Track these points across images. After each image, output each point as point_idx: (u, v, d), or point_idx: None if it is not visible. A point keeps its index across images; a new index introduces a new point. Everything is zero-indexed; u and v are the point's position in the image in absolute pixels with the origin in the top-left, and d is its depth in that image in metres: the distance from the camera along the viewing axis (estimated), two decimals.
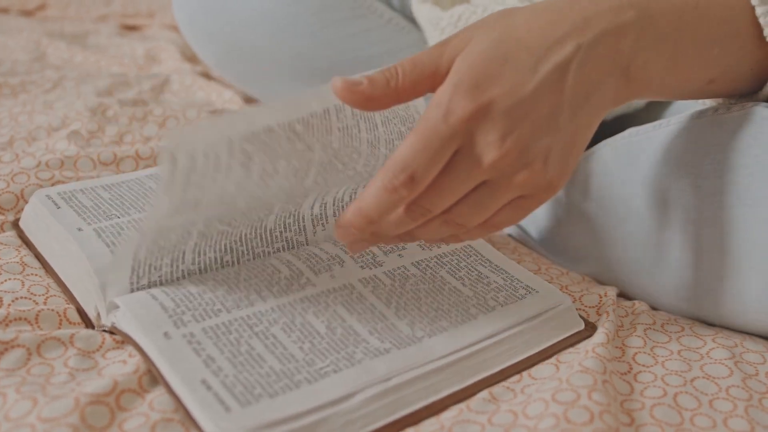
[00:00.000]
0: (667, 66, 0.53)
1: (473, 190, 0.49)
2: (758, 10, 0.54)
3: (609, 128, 0.74)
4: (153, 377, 0.51)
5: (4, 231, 0.69)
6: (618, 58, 0.51)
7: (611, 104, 0.52)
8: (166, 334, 0.50)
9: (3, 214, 0.70)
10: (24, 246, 0.66)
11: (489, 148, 0.47)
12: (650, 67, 0.52)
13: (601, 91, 0.50)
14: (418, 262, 0.62)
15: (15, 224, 0.69)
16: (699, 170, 0.58)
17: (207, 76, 1.19)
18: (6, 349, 0.52)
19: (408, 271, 0.61)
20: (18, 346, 0.52)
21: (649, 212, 0.62)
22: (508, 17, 0.51)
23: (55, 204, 0.65)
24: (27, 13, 1.57)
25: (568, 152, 0.50)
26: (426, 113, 0.47)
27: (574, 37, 0.50)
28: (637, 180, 0.64)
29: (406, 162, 0.46)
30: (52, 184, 0.74)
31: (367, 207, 0.48)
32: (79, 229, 0.61)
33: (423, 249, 0.64)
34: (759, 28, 0.55)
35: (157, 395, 0.49)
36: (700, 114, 0.60)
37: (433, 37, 0.88)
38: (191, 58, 1.26)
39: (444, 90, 0.48)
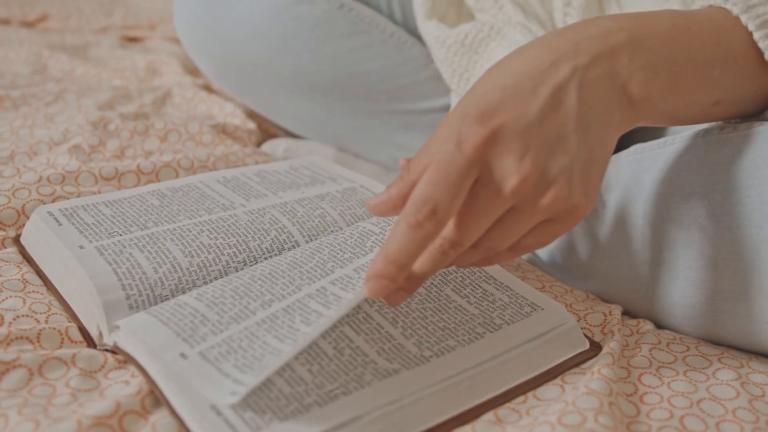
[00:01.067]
0: (668, 87, 0.53)
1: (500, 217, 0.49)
2: (756, 35, 0.54)
3: None
4: (156, 399, 0.51)
5: (5, 247, 0.68)
6: (615, 77, 0.51)
7: (620, 126, 0.52)
8: (182, 355, 0.50)
9: (4, 230, 0.70)
10: (25, 263, 0.66)
11: (508, 173, 0.47)
12: (651, 87, 0.52)
13: (607, 111, 0.50)
14: None
15: (16, 240, 0.69)
16: (705, 190, 0.58)
17: (208, 89, 1.19)
18: (7, 370, 0.52)
19: None
20: (20, 366, 0.52)
21: (655, 230, 0.62)
22: (497, 63, 0.52)
23: (57, 221, 0.64)
24: (28, 24, 1.58)
25: (588, 173, 0.49)
26: (439, 148, 0.47)
27: (568, 60, 0.50)
28: (642, 198, 0.63)
29: (427, 196, 0.45)
30: (54, 200, 0.74)
31: (396, 251, 0.46)
32: (81, 247, 0.61)
33: None
34: (758, 51, 0.55)
35: (160, 417, 0.49)
36: (706, 132, 0.60)
37: (439, 55, 0.88)
38: (192, 70, 1.26)
39: (452, 124, 0.48)
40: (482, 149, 0.46)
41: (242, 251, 0.63)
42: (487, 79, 0.51)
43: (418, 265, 0.49)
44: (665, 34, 0.53)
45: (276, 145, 1.01)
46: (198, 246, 0.62)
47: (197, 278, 0.60)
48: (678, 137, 0.63)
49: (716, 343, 0.62)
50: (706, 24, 0.55)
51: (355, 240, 0.62)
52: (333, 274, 0.58)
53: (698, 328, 0.62)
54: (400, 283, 0.48)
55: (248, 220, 0.67)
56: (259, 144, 1.05)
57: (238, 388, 0.48)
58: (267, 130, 1.10)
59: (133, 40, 1.50)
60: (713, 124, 0.61)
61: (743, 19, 0.54)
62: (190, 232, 0.64)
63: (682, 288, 0.61)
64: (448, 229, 0.48)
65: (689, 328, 0.63)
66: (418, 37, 0.96)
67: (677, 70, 0.53)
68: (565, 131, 0.48)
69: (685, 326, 0.63)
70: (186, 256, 0.61)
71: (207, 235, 0.64)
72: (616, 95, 0.51)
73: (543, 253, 0.76)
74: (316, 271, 0.58)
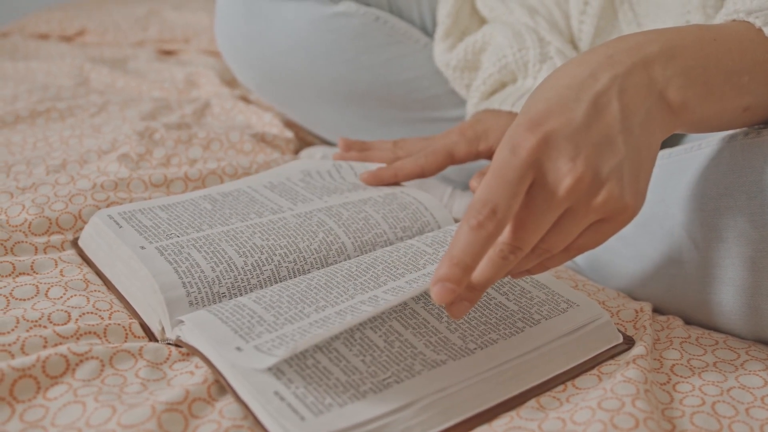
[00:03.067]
0: (703, 93, 0.56)
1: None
2: None
3: None
4: (221, 387, 0.54)
5: (64, 250, 0.72)
6: (652, 85, 0.54)
7: (662, 130, 0.54)
8: (237, 348, 0.54)
9: (62, 234, 0.74)
10: (85, 264, 0.70)
11: (562, 174, 0.49)
12: (687, 93, 0.55)
13: (648, 116, 0.53)
14: None
15: (74, 243, 0.73)
16: (733, 191, 0.61)
17: (246, 99, 1.23)
18: (81, 361, 0.55)
19: None
20: (92, 357, 0.56)
21: (686, 231, 0.65)
22: (537, 86, 0.55)
23: (117, 224, 0.68)
24: (67, 39, 1.62)
25: (636, 173, 0.52)
26: (495, 156, 0.50)
27: (605, 70, 0.53)
28: (671, 201, 0.66)
29: (486, 198, 0.48)
30: (108, 205, 0.78)
31: (459, 253, 0.48)
32: (142, 248, 0.64)
33: None
34: None
35: (226, 404, 0.53)
36: (731, 138, 0.63)
37: (449, 77, 0.94)
38: (230, 82, 1.30)
39: (506, 136, 0.51)
40: (536, 153, 0.49)
41: (293, 251, 0.67)
42: (530, 98, 0.54)
43: (480, 272, 0.51)
44: (694, 44, 0.56)
45: (313, 153, 1.05)
46: (251, 247, 0.66)
47: (251, 277, 0.64)
48: (704, 142, 0.65)
49: (744, 337, 0.65)
50: (731, 35, 0.58)
51: (409, 258, 0.65)
52: (386, 286, 0.61)
53: (730, 323, 0.65)
54: (464, 286, 0.49)
55: (297, 223, 0.70)
56: (296, 152, 1.08)
57: (281, 389, 0.51)
58: (304, 139, 1.14)
59: (168, 53, 1.55)
60: (737, 129, 0.64)
61: (766, 31, 0.57)
62: (243, 233, 0.68)
63: (713, 286, 0.64)
64: (509, 234, 0.50)
65: (720, 323, 0.66)
66: None
67: (709, 77, 0.55)
68: (611, 133, 0.51)
69: (721, 323, 0.66)
70: (240, 256, 0.65)
71: (259, 237, 0.67)
72: (656, 101, 0.53)
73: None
74: (369, 283, 0.61)
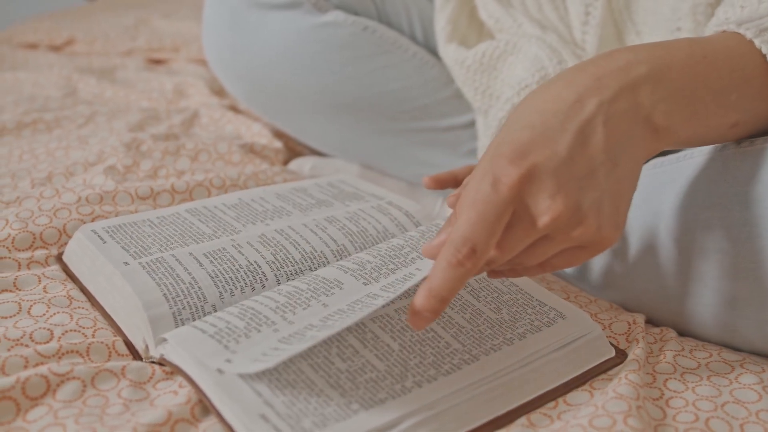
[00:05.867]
0: (689, 114, 0.55)
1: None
2: None
3: None
4: (204, 408, 0.53)
5: (48, 265, 0.71)
6: (639, 110, 0.53)
7: (644, 155, 0.54)
8: (228, 360, 0.52)
9: (47, 249, 0.73)
10: (69, 280, 0.69)
11: (542, 210, 0.50)
12: (673, 116, 0.54)
13: (632, 143, 0.53)
14: None
15: (59, 258, 0.71)
16: (725, 201, 0.60)
17: (235, 109, 1.21)
18: (62, 381, 0.54)
19: None
20: (74, 378, 0.55)
21: (676, 242, 0.64)
22: (523, 101, 0.55)
23: (101, 239, 0.67)
24: (55, 49, 1.61)
25: (616, 205, 0.52)
26: (475, 186, 0.50)
27: (592, 95, 0.52)
28: (663, 211, 0.65)
29: (466, 236, 0.49)
30: (93, 219, 0.77)
31: (438, 287, 0.49)
32: (126, 263, 0.63)
33: None
34: None
35: (210, 424, 0.52)
36: (723, 147, 0.62)
37: (460, 76, 0.91)
38: (219, 91, 1.29)
39: (485, 162, 0.51)
40: (517, 189, 0.49)
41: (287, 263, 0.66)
42: (515, 118, 0.53)
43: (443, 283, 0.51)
44: (683, 64, 0.55)
45: (302, 164, 1.04)
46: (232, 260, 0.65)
47: (235, 289, 0.63)
48: (696, 151, 0.65)
49: (739, 350, 0.64)
50: (722, 51, 0.57)
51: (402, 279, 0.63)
52: (379, 283, 0.60)
53: (720, 335, 0.64)
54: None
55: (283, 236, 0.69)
56: (285, 162, 1.07)
57: (266, 411, 0.50)
58: (293, 149, 1.13)
59: (157, 62, 1.53)
60: None
61: (757, 42, 0.56)
62: (227, 251, 0.67)
63: (704, 296, 0.63)
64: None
65: (712, 336, 0.65)
66: (438, 57, 0.98)
67: (696, 99, 0.55)
68: (594, 166, 0.51)
69: (709, 334, 0.65)
70: (226, 272, 0.64)
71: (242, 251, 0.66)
72: (641, 126, 0.53)
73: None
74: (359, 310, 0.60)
